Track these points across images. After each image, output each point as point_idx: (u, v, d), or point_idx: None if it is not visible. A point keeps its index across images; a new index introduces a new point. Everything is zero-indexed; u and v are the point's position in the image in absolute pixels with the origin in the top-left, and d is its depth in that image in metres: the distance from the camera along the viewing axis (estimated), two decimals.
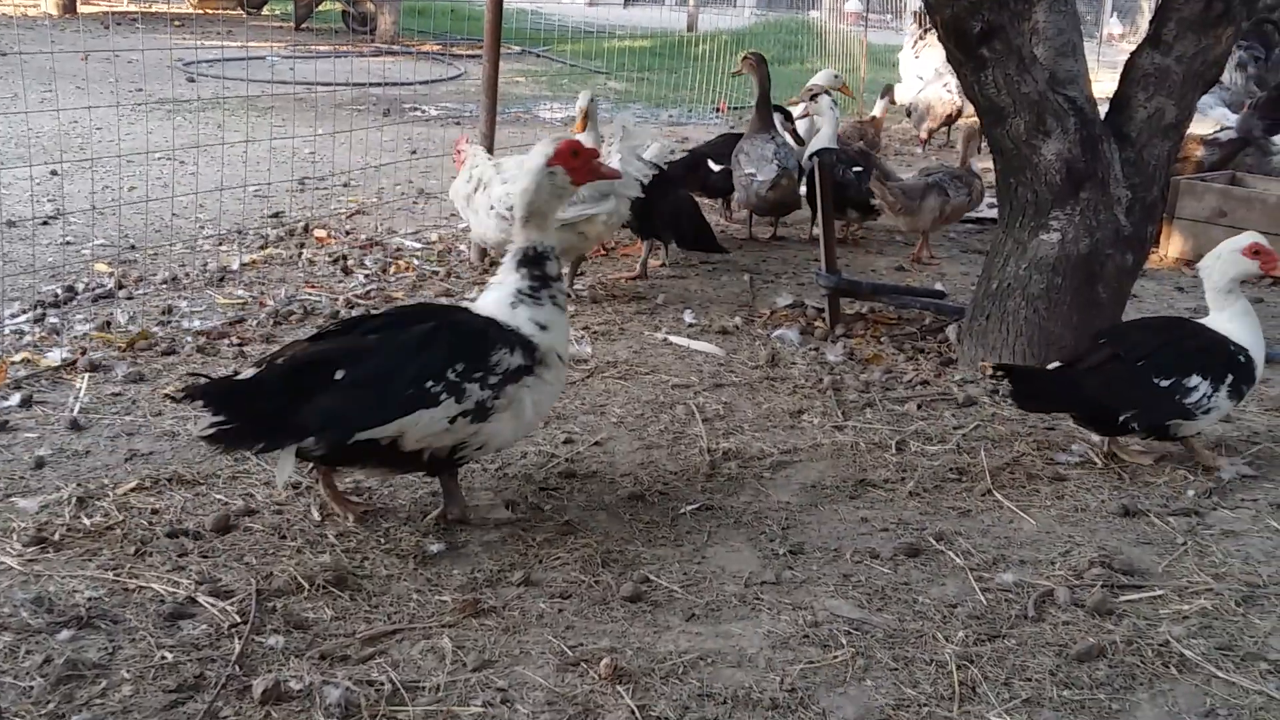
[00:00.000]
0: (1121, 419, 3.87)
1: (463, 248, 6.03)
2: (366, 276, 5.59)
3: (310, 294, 5.25)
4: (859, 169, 6.71)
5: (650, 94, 13.51)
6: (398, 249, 6.13)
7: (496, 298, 3.34)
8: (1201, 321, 4.12)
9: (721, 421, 4.18)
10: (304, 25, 18.19)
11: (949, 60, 5.02)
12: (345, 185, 7.65)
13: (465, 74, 14.31)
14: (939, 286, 5.92)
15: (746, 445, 3.99)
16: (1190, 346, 3.99)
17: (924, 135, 10.92)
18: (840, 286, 5.38)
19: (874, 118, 9.57)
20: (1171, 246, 7.19)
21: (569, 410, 4.19)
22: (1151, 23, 5.05)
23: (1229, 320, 4.04)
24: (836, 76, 8.47)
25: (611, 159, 5.13)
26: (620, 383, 4.49)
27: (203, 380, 3.04)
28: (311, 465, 3.31)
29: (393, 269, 5.74)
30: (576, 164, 3.33)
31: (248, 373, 3.10)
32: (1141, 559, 3.35)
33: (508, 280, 3.35)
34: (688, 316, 5.31)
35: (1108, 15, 26.70)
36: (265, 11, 20.09)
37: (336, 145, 8.23)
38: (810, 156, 7.13)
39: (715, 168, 7.12)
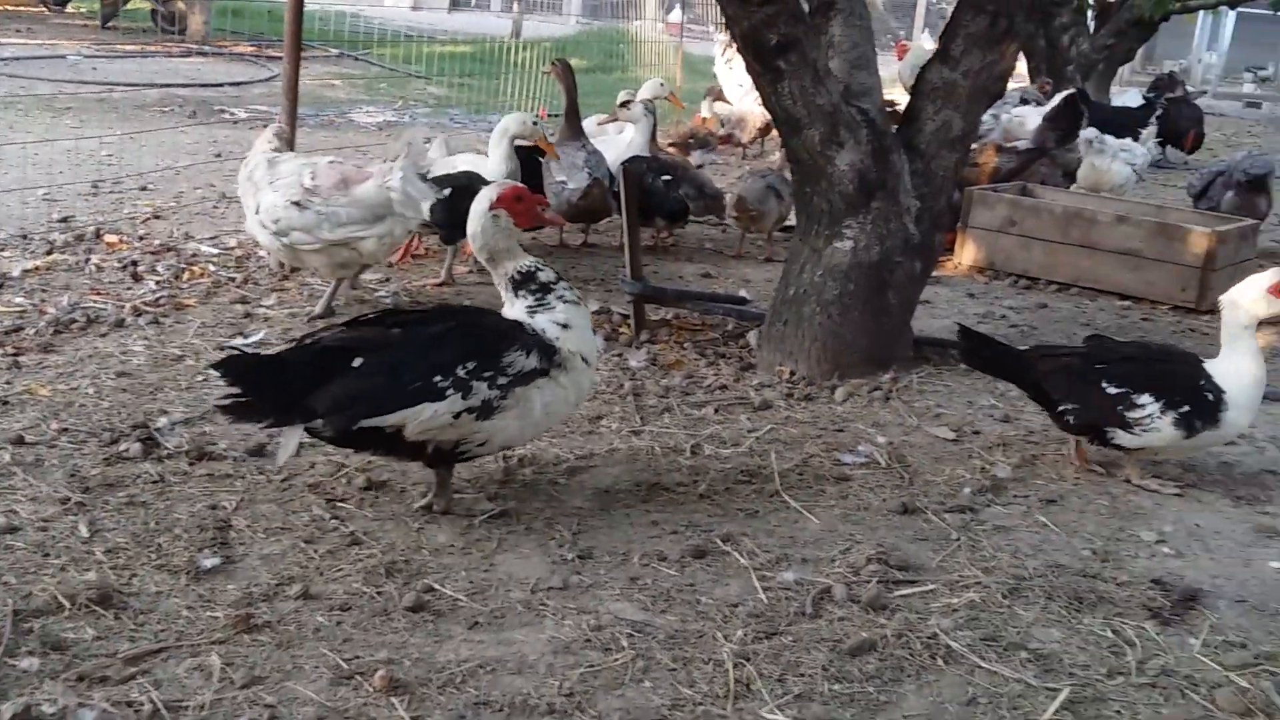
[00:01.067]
0: (1060, 409, 4.06)
1: (263, 253, 5.87)
2: (157, 283, 5.40)
3: (95, 301, 5.05)
4: (668, 178, 6.80)
5: (470, 100, 13.43)
6: (193, 255, 5.94)
7: (516, 312, 3.52)
8: (1207, 363, 4.05)
9: None
10: (110, 24, 17.47)
11: (748, 71, 5.13)
12: (143, 189, 7.37)
13: (278, 76, 13.94)
14: (743, 293, 6.03)
15: (542, 451, 3.99)
16: (1159, 369, 4.06)
17: (747, 141, 11.15)
18: (645, 293, 5.43)
19: (704, 119, 9.77)
20: (965, 255, 7.48)
21: None
22: (940, 39, 5.26)
23: (1226, 361, 4.00)
24: (663, 85, 8.56)
25: (393, 178, 5.05)
26: None
27: (233, 353, 3.23)
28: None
29: (186, 275, 5.56)
30: (519, 209, 3.52)
31: (273, 351, 3.26)
32: (917, 555, 3.47)
33: (516, 305, 3.53)
34: None
35: (920, 32, 27.64)
36: (70, 9, 19.26)
37: (137, 147, 7.95)
38: (621, 165, 7.21)
39: None
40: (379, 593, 3.03)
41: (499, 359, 3.30)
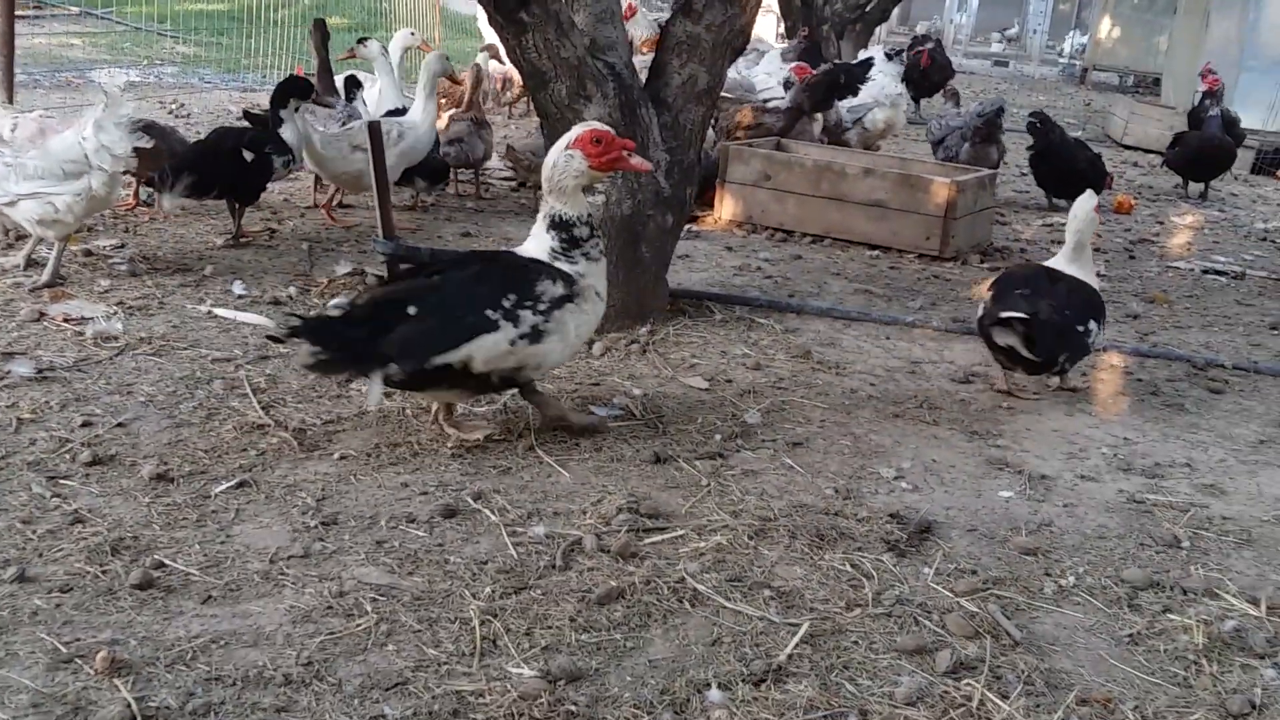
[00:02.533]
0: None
1: None
2: None
3: None
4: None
5: (224, 59, 12.87)
6: None
7: (536, 246, 3.79)
8: (1054, 266, 4.78)
9: (263, 395, 4.02)
10: None
11: (490, 24, 5.05)
12: None
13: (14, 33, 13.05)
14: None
15: (288, 417, 3.85)
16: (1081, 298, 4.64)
17: (514, 99, 11.08)
18: (398, 253, 5.30)
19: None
20: (724, 209, 7.61)
21: (89, 391, 3.90)
22: None
23: (1082, 268, 4.75)
24: (413, 34, 8.33)
25: (86, 128, 4.75)
26: (153, 359, 4.22)
27: (297, 319, 3.46)
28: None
29: None
30: (595, 150, 3.69)
31: (334, 311, 3.59)
32: (668, 503, 3.51)
33: (542, 237, 3.78)
34: (237, 288, 5.09)
35: None
36: None
37: None
38: (368, 122, 7.03)
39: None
40: (103, 571, 2.86)
41: (533, 288, 3.64)
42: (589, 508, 3.42)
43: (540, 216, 3.81)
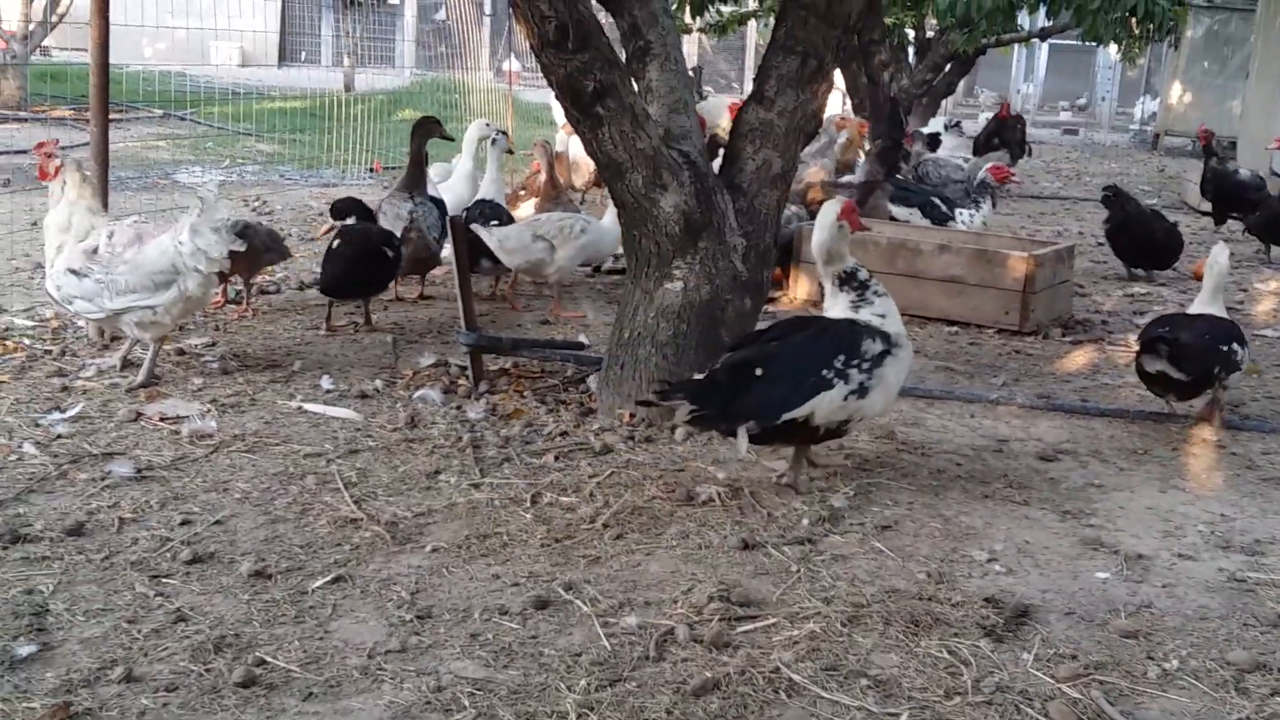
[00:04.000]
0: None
1: (81, 323, 5.66)
2: None
3: None
4: (496, 221, 6.82)
5: (302, 155, 13.22)
6: (6, 329, 5.69)
7: (839, 308, 4.31)
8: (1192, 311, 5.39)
9: (355, 488, 4.08)
10: None
11: (567, 118, 5.16)
12: None
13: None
14: (582, 338, 6.04)
15: (380, 511, 3.91)
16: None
17: (582, 188, 11.23)
18: (481, 344, 5.39)
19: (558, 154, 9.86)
20: (799, 288, 7.64)
21: (187, 489, 3.99)
22: (755, 80, 5.37)
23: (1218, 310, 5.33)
24: (488, 125, 8.46)
25: (182, 232, 4.90)
26: (247, 456, 4.31)
27: (667, 384, 4.17)
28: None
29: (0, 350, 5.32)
30: (853, 219, 4.34)
31: (698, 377, 4.13)
32: (759, 590, 3.50)
33: (839, 297, 4.32)
34: (325, 382, 5.18)
35: (751, 74, 28.28)
36: None
37: None
38: (465, 210, 7.20)
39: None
40: (207, 669, 2.91)
41: (859, 349, 4.12)
42: (680, 596, 3.42)
43: (829, 286, 4.36)
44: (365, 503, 3.97)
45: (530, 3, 4.60)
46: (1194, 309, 5.42)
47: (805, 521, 3.99)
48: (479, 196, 7.35)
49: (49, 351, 5.39)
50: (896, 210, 8.70)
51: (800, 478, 4.29)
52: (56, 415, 4.53)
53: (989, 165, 8.83)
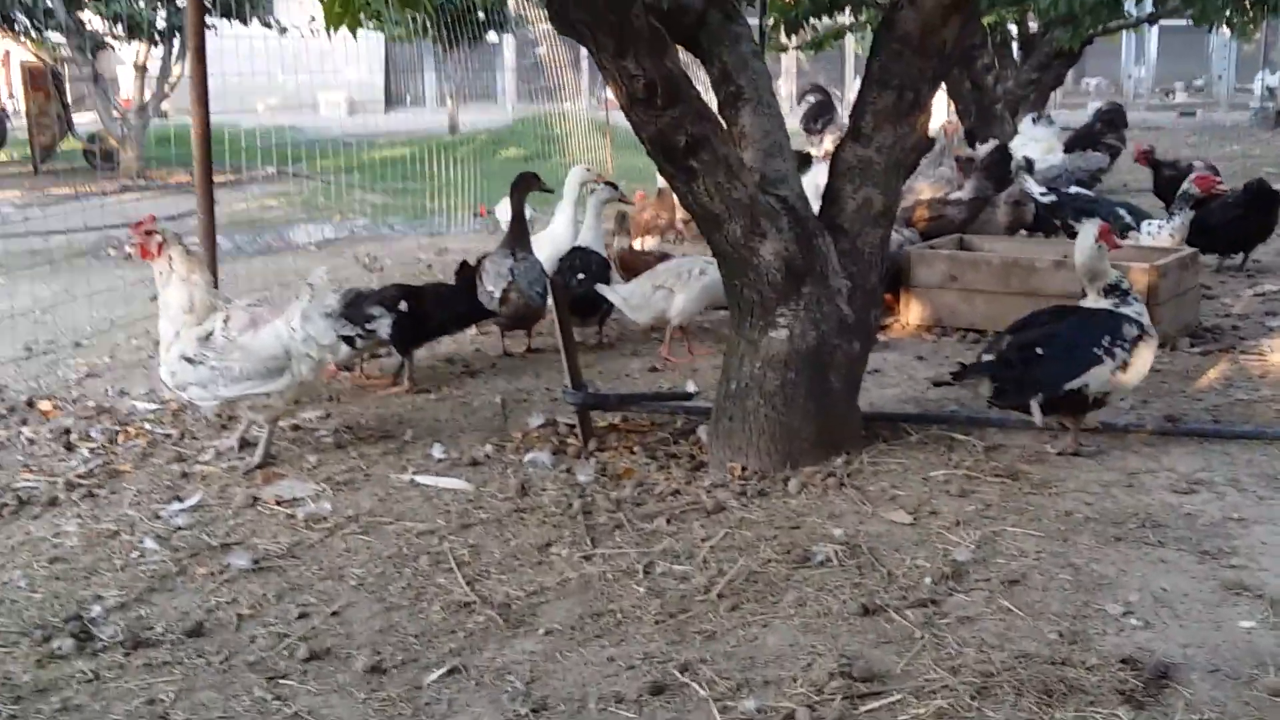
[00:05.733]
0: None
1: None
2: (91, 450, 5.27)
3: (27, 480, 4.92)
4: (582, 275, 6.82)
5: (410, 205, 13.41)
6: (128, 413, 5.83)
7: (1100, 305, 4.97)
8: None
9: (468, 567, 4.06)
10: (44, 167, 17.48)
11: (661, 173, 5.11)
12: (77, 346, 7.28)
13: (215, 204, 13.89)
14: (690, 386, 5.97)
15: (493, 591, 3.88)
16: None
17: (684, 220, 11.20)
18: (589, 402, 5.36)
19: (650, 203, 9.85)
20: (910, 314, 7.47)
21: (303, 579, 4.01)
22: (851, 117, 5.25)
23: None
24: (588, 170, 8.43)
25: (294, 319, 4.95)
26: (361, 539, 4.32)
27: (963, 365, 4.98)
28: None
29: (121, 438, 5.45)
30: (1110, 239, 4.99)
31: (988, 358, 4.91)
32: (881, 661, 3.38)
33: (1102, 304, 4.95)
34: (437, 451, 5.19)
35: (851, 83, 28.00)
36: (3, 155, 19.23)
37: (71, 300, 7.84)
38: (560, 259, 7.19)
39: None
40: None
41: (1120, 331, 4.81)
42: (799, 674, 3.32)
43: (1092, 293, 5.00)
44: (478, 583, 3.95)
45: (617, 62, 4.56)
46: None
47: (928, 580, 3.86)
48: (576, 244, 7.33)
49: (169, 435, 5.50)
50: (1080, 225, 8.27)
51: (1077, 443, 4.96)
52: (176, 506, 4.61)
53: (1194, 176, 8.16)
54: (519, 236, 6.95)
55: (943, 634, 3.52)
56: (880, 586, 3.84)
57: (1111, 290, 4.96)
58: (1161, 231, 7.96)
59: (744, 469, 4.90)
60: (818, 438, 4.96)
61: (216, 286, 5.82)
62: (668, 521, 4.41)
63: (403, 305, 5.99)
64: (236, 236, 11.59)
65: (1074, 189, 8.89)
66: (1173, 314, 6.86)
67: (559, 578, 3.98)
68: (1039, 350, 4.79)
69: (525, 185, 7.13)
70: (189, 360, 4.93)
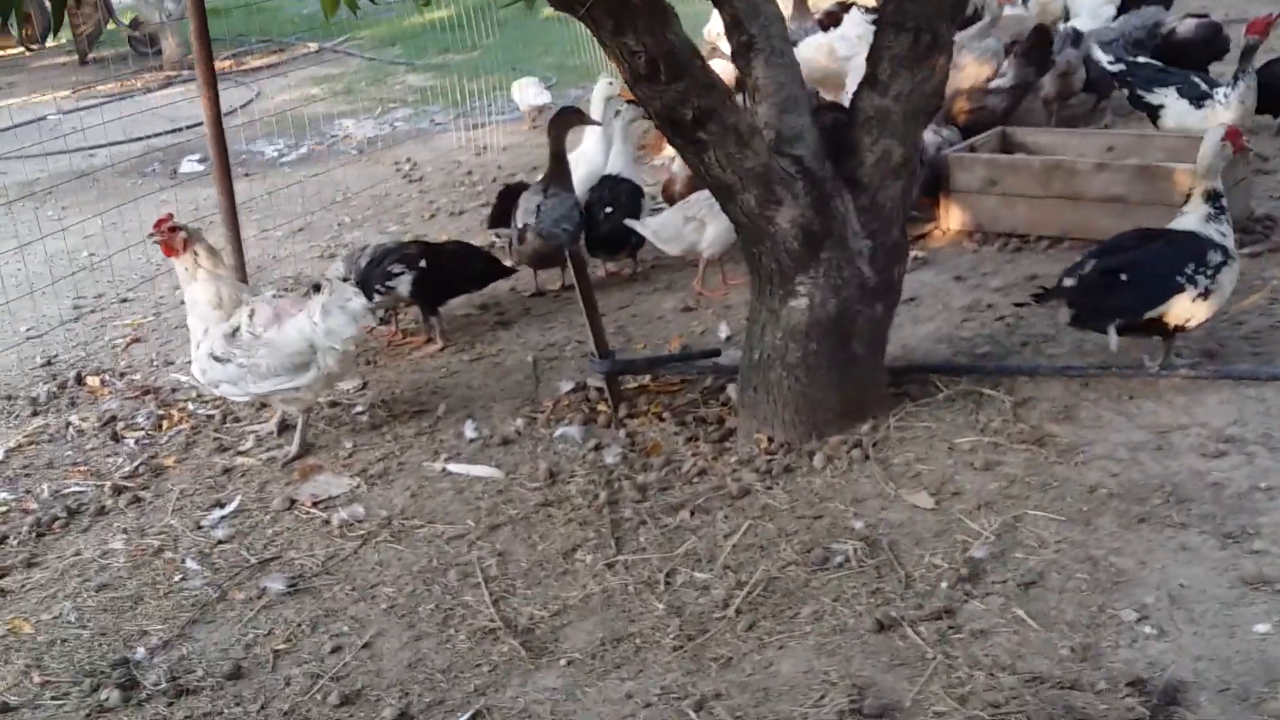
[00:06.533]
0: None
1: None
2: (136, 442, 5.44)
3: (76, 484, 5.11)
4: (610, 209, 6.72)
5: (450, 88, 13.19)
6: (172, 390, 5.97)
7: (1195, 219, 4.99)
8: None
9: (495, 582, 4.18)
10: (89, 58, 17.45)
11: (670, 144, 5.00)
12: (123, 302, 7.41)
13: (259, 95, 13.83)
14: (723, 331, 5.96)
15: (517, 612, 4.00)
16: None
17: None
18: (616, 369, 5.38)
19: None
20: (951, 219, 7.30)
21: (337, 601, 4.16)
22: (867, 63, 5.05)
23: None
24: (611, 83, 8.16)
25: (315, 313, 4.99)
26: (393, 548, 4.45)
27: (1044, 289, 5.02)
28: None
29: (164, 423, 5.60)
30: (1238, 142, 5.02)
31: (1069, 282, 4.93)
32: (893, 690, 3.45)
33: (1201, 209, 4.99)
34: (468, 430, 5.27)
35: None
36: (50, 43, 19.15)
37: (120, 235, 7.90)
38: (590, 188, 7.08)
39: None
40: None
41: (1205, 258, 4.83)
42: (809, 711, 3.41)
43: (1195, 196, 5.02)
44: (504, 601, 4.07)
45: (617, 39, 4.43)
46: None
47: (944, 584, 3.89)
48: (606, 171, 7.19)
49: (210, 418, 5.64)
50: (1152, 96, 7.84)
51: (1168, 358, 5.07)
52: (217, 514, 4.76)
53: (1250, 21, 7.20)
54: (557, 174, 6.82)
55: (954, 654, 3.58)
56: (897, 593, 3.89)
57: (1213, 197, 4.99)
58: (1230, 99, 7.36)
59: (770, 439, 4.92)
60: (843, 406, 4.95)
61: (245, 280, 5.88)
62: (691, 514, 4.47)
63: (423, 263, 6.03)
64: (280, 141, 11.57)
65: (1140, 58, 8.40)
66: None
67: (582, 592, 4.08)
68: (1122, 276, 4.86)
69: (565, 122, 6.95)
70: (218, 359, 5.02)
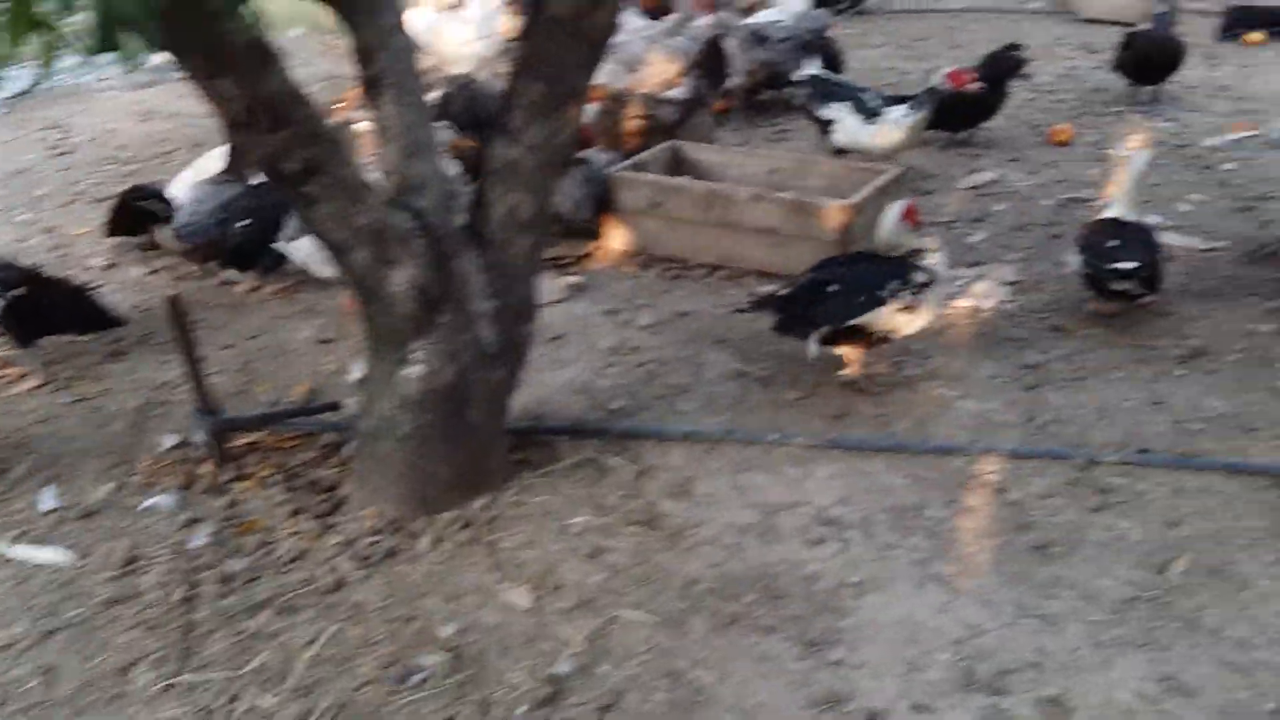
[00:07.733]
0: None
1: None
2: None
3: None
4: (246, 221, 6.30)
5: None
6: None
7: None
8: None
9: (30, 713, 3.76)
10: None
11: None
12: None
13: None
14: (355, 374, 5.62)
15: None
16: None
17: None
18: (220, 428, 4.99)
19: None
20: (615, 238, 7.17)
21: None
22: (499, 112, 4.77)
23: None
24: None
25: None
26: None
27: (758, 297, 5.52)
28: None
29: None
30: (914, 217, 5.39)
31: (783, 291, 5.37)
32: None
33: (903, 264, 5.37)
34: (48, 498, 4.77)
35: None
36: None
37: None
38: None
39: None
40: None
41: (908, 276, 5.20)
42: None
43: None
44: None
45: (208, 85, 4.00)
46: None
47: (521, 710, 3.73)
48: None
49: None
50: (825, 110, 7.87)
51: (860, 377, 5.44)
52: None
53: (947, 70, 7.72)
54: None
55: None
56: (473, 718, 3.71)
57: (910, 256, 5.35)
58: (903, 121, 7.63)
59: (380, 514, 4.66)
60: (456, 479, 4.73)
61: None
62: (276, 614, 4.17)
63: (20, 291, 5.45)
64: None
65: (815, 69, 8.42)
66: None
67: None
68: (830, 288, 5.23)
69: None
70: None
